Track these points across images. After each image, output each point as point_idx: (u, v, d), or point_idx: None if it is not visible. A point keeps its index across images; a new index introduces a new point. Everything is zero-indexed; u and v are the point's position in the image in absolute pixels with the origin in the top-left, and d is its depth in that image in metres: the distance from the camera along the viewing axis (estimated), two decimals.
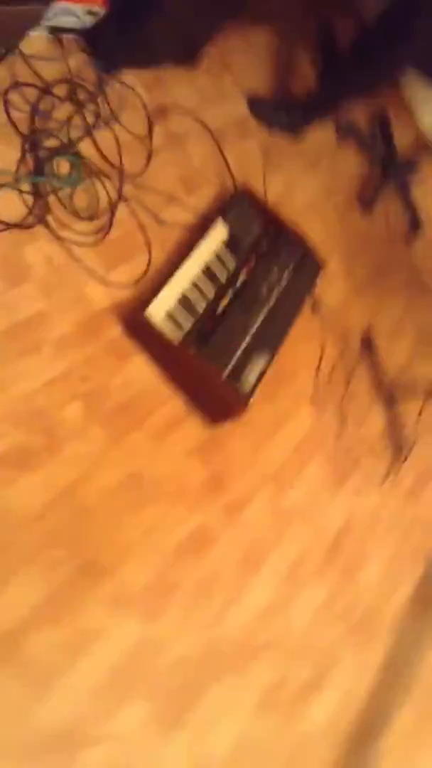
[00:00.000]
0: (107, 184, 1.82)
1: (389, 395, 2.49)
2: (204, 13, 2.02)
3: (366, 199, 2.80)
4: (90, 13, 1.77)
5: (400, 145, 3.06)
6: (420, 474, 2.56)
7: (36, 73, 1.76)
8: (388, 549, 2.33)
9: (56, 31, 1.80)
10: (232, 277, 1.93)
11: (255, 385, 1.81)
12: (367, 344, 2.50)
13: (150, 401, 1.76)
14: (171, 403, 1.80)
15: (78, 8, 1.73)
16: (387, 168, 2.90)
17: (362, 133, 2.84)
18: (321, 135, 2.68)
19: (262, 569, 1.90)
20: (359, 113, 2.95)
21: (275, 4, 2.73)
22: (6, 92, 1.68)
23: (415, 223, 3.01)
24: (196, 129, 2.16)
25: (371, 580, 2.22)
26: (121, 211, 1.83)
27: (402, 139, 3.15)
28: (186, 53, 2.09)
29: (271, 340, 1.92)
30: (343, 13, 2.96)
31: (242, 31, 2.50)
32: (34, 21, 1.68)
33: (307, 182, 2.58)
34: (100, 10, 1.77)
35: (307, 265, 2.12)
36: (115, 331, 1.73)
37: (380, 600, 2.23)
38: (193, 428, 1.82)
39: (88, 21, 1.80)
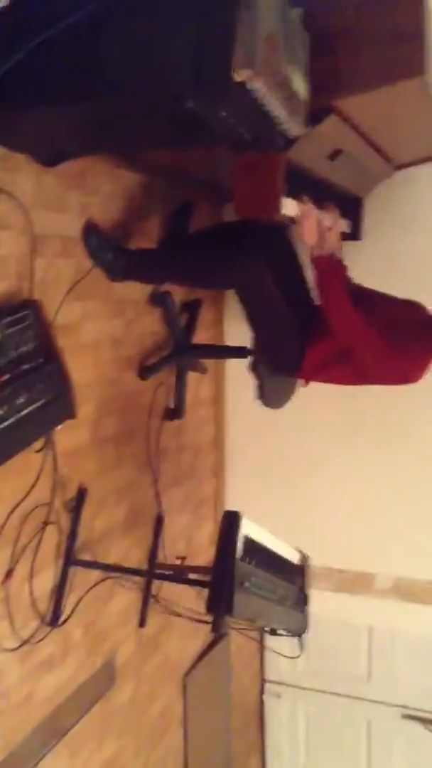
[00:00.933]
0: None
1: (71, 560, 2.37)
2: (91, 133, 2.00)
3: (146, 366, 2.83)
4: None
5: (198, 338, 3.20)
6: (63, 647, 2.42)
7: None
8: None
9: None
10: None
11: None
12: (77, 502, 2.40)
13: None
14: None
15: None
16: (178, 349, 2.99)
17: (171, 308, 2.92)
18: (138, 287, 2.72)
19: None
20: (180, 288, 3.07)
21: (161, 159, 2.82)
22: None
23: (178, 411, 3.09)
24: (14, 235, 2.05)
25: None
26: None
27: (202, 332, 3.31)
28: (48, 155, 2.03)
29: None
30: (209, 205, 3.16)
31: (119, 162, 2.52)
32: None
33: (103, 324, 2.55)
34: None
35: (56, 408, 2.03)
36: None
37: None
38: None
39: None
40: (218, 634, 3.28)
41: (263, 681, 4.26)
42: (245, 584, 2.02)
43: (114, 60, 1.60)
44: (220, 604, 1.93)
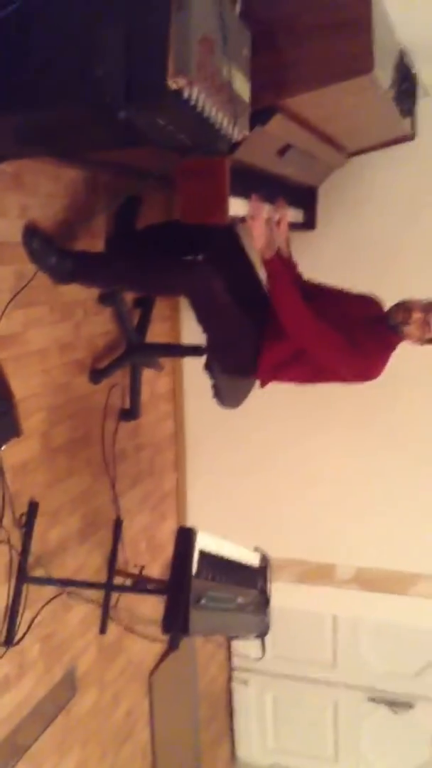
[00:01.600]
0: None
1: (24, 577, 2.30)
2: (27, 138, 1.88)
3: (98, 369, 2.74)
4: None
5: (152, 335, 3.11)
6: (19, 666, 2.36)
7: None
8: None
9: None
10: None
11: None
12: (28, 517, 2.32)
13: None
14: None
15: None
16: (131, 349, 2.90)
17: (123, 308, 2.83)
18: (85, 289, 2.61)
19: None
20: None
21: (103, 155, 2.69)
22: None
23: (133, 412, 3.01)
24: None
25: None
26: None
27: (157, 331, 3.22)
28: None
29: None
30: (159, 196, 3.05)
31: (58, 162, 2.40)
32: None
33: (49, 329, 2.45)
34: None
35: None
36: None
37: None
38: None
39: None
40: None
41: (231, 669, 4.28)
42: (202, 601, 1.98)
43: (44, 70, 1.49)
44: (175, 624, 1.89)
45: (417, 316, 2.17)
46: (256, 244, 2.21)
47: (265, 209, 2.24)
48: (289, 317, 2.23)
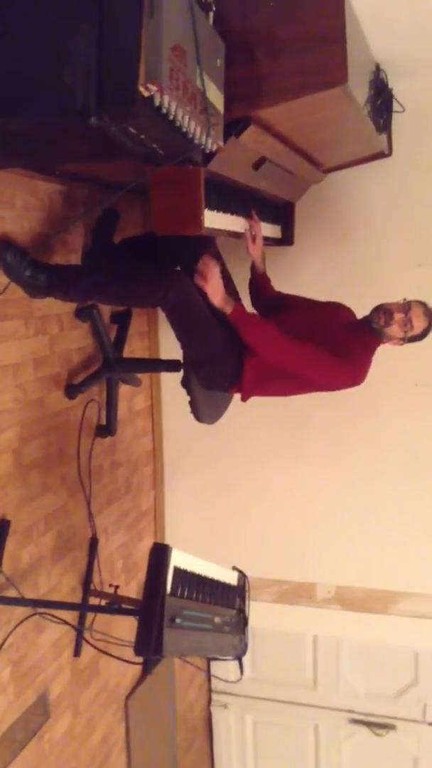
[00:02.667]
0: None
1: None
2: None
3: (73, 384, 2.70)
4: None
5: (129, 350, 3.08)
6: None
7: None
8: None
9: None
10: None
11: None
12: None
13: None
14: None
15: None
16: (107, 364, 2.86)
17: (100, 322, 2.79)
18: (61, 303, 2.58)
19: None
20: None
21: (79, 168, 2.67)
22: None
23: (109, 427, 2.97)
24: None
25: None
26: None
27: (134, 347, 3.19)
28: None
29: None
30: (137, 209, 3.03)
31: (34, 175, 2.37)
32: None
33: (23, 343, 2.41)
34: None
35: None
36: None
37: None
38: None
39: None
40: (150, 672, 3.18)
41: (210, 692, 4.20)
42: (176, 620, 1.93)
43: (14, 77, 1.47)
44: (148, 646, 1.83)
45: (399, 316, 2.25)
46: (213, 301, 2.23)
47: (217, 269, 2.23)
48: (272, 355, 2.27)
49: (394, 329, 2.26)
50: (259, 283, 2.55)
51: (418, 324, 2.26)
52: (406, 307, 2.25)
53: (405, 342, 2.30)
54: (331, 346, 2.27)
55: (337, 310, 2.50)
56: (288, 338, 2.23)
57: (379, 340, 2.33)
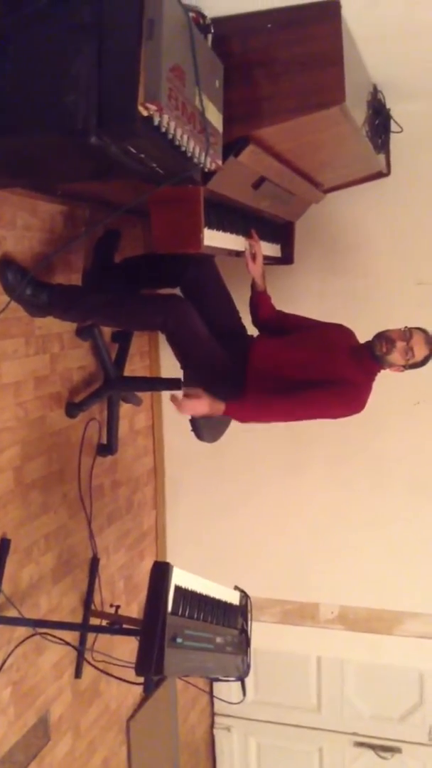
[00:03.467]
0: None
1: None
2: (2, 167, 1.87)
3: (74, 402, 2.70)
4: None
5: (130, 369, 3.08)
6: None
7: None
8: None
9: None
10: None
11: None
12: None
13: None
14: None
15: None
16: (108, 383, 2.86)
17: (101, 341, 2.80)
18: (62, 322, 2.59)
19: None
20: None
21: (80, 188, 2.70)
22: None
23: (110, 446, 2.97)
24: None
25: None
26: None
27: (135, 365, 3.19)
28: None
29: None
30: (138, 230, 3.06)
31: (35, 195, 2.39)
32: None
33: (24, 362, 2.42)
34: None
35: None
36: None
37: None
38: None
39: None
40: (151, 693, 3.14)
41: (213, 714, 4.14)
42: (177, 639, 1.91)
43: (15, 97, 1.49)
44: (149, 665, 1.81)
45: (400, 344, 2.24)
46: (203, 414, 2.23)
47: (197, 399, 2.20)
48: (276, 419, 2.34)
49: (396, 357, 2.25)
50: (259, 300, 2.56)
51: (420, 352, 2.25)
52: (408, 334, 2.24)
53: (406, 369, 2.30)
54: (331, 371, 2.28)
55: (341, 331, 2.48)
56: (281, 396, 2.25)
57: (380, 366, 2.32)
